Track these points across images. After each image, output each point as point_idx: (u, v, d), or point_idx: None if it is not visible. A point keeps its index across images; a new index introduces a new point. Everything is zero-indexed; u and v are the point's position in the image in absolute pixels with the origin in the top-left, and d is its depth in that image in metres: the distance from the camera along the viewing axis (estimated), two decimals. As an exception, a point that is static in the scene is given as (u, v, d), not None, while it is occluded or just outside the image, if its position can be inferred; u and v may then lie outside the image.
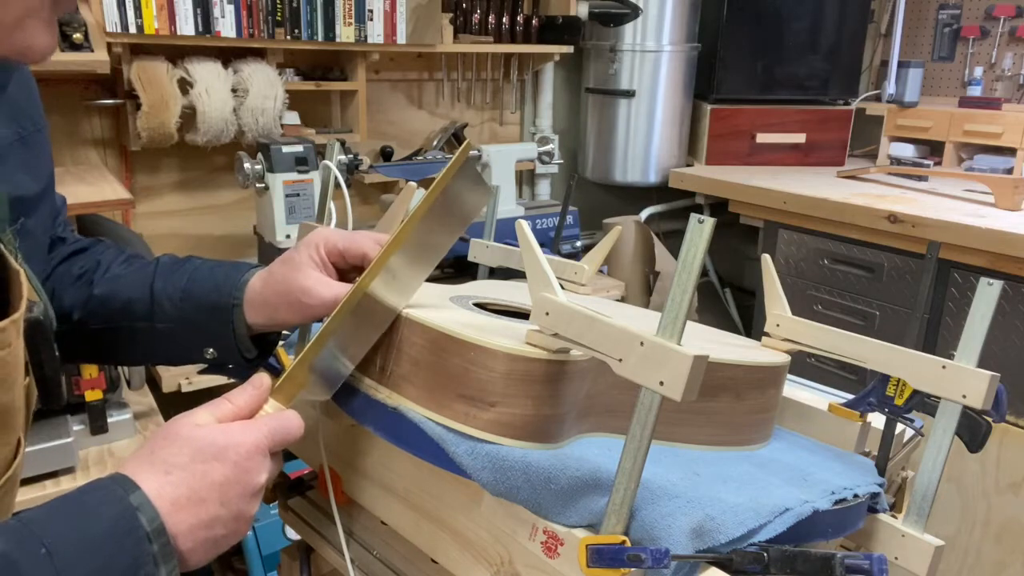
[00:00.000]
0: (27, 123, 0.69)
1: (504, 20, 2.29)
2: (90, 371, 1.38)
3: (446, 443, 0.59)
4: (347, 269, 0.72)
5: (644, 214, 2.68)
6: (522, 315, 0.77)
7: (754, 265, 2.65)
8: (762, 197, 2.28)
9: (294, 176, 1.71)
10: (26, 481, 1.31)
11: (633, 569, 0.52)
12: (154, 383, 1.66)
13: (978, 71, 2.63)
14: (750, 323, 2.58)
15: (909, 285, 2.01)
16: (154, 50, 1.74)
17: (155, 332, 0.75)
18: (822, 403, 0.82)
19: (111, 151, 1.88)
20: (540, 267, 0.58)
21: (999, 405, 0.65)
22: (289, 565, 0.91)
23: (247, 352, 0.74)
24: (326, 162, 0.83)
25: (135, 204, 1.70)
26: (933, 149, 2.61)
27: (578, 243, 2.17)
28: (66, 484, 1.33)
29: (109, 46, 1.63)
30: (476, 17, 2.26)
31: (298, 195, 1.72)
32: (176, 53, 1.77)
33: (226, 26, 1.75)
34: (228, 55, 1.83)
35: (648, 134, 2.55)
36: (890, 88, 2.65)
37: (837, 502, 0.64)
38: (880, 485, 0.71)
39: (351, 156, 1.83)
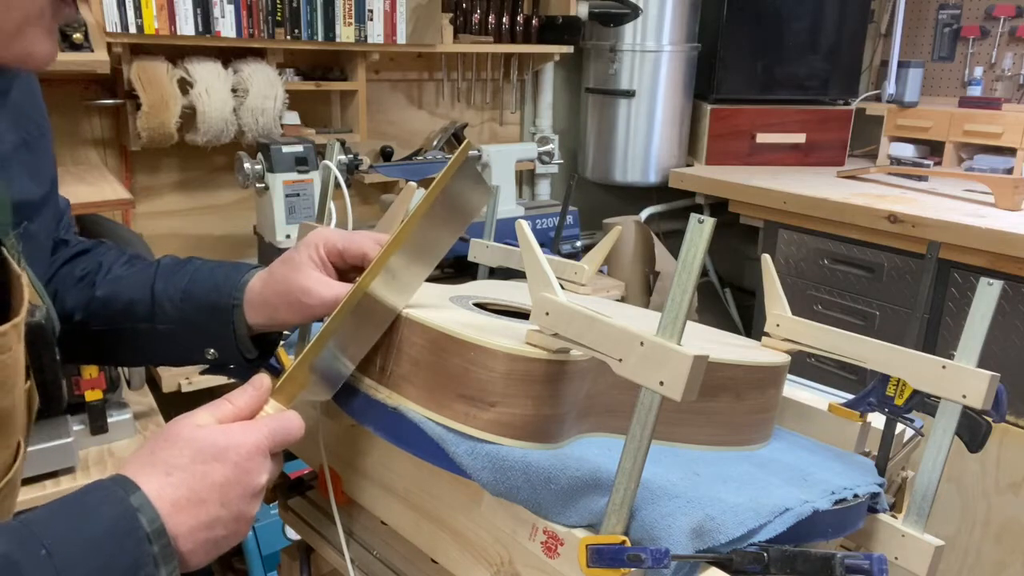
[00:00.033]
0: (31, 127, 0.69)
1: (504, 20, 2.29)
2: (90, 371, 1.38)
3: (446, 443, 0.59)
4: (347, 269, 0.72)
5: (644, 214, 2.68)
6: (522, 315, 0.77)
7: (754, 265, 2.65)
8: (762, 197, 2.28)
9: (294, 176, 1.71)
10: (26, 481, 1.31)
11: (633, 569, 0.52)
12: (154, 383, 1.66)
13: (978, 71, 2.63)
14: (750, 323, 2.58)
15: (909, 285, 2.01)
16: (154, 50, 1.74)
17: (156, 333, 0.75)
18: (822, 403, 0.82)
19: (111, 151, 1.88)
20: (540, 267, 0.58)
21: (999, 405, 0.65)
22: (289, 565, 0.91)
23: (248, 352, 0.74)
24: (326, 162, 0.83)
25: (135, 204, 1.70)
26: (933, 149, 2.61)
27: (578, 243, 2.17)
28: (66, 484, 1.33)
29: (109, 46, 1.63)
30: (476, 17, 2.26)
31: (298, 195, 1.72)
32: (176, 53, 1.77)
33: (226, 26, 1.75)
34: (228, 55, 1.83)
35: (648, 134, 2.55)
36: (890, 88, 2.65)
37: (837, 502, 0.64)
38: (880, 485, 0.71)
39: (351, 156, 1.83)
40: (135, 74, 1.69)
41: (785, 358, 0.79)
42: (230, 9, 1.74)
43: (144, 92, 1.68)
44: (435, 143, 2.28)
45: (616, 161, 2.59)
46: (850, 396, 0.81)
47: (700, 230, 0.49)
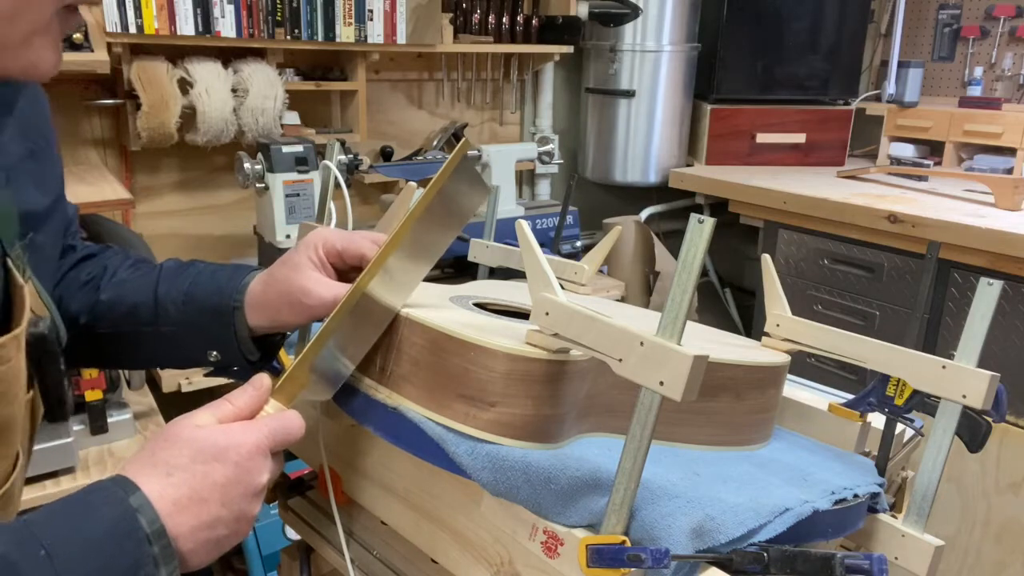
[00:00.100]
0: (37, 138, 0.69)
1: (504, 20, 2.29)
2: (90, 371, 1.38)
3: (446, 443, 0.59)
4: (346, 269, 0.72)
5: (644, 214, 2.68)
6: (522, 315, 0.77)
7: (754, 265, 2.65)
8: (762, 197, 2.28)
9: (294, 176, 1.71)
10: (26, 481, 1.30)
11: (633, 569, 0.52)
12: (154, 383, 1.66)
13: (978, 71, 2.63)
14: (750, 323, 2.58)
15: (909, 285, 2.01)
16: (154, 50, 1.74)
17: (160, 336, 0.75)
18: (822, 403, 0.82)
19: (111, 151, 1.88)
20: (540, 267, 0.58)
21: (999, 405, 0.65)
22: (289, 565, 0.91)
23: (250, 354, 0.75)
24: (326, 162, 0.83)
25: (135, 204, 1.70)
26: (933, 149, 2.61)
27: (578, 243, 2.17)
28: (66, 484, 1.33)
29: (109, 46, 1.63)
30: (476, 17, 2.26)
31: (298, 195, 1.72)
32: (176, 53, 1.77)
33: (226, 26, 1.75)
34: (228, 55, 1.83)
35: (648, 134, 2.55)
36: (890, 88, 2.65)
37: (837, 502, 0.64)
38: (880, 485, 0.71)
39: (351, 156, 1.83)
40: (135, 74, 1.69)
41: (785, 358, 0.79)
42: (230, 9, 1.74)
43: (144, 92, 1.68)
44: (435, 143, 2.28)
45: (616, 161, 2.59)
46: (850, 396, 0.81)
47: (700, 230, 0.49)
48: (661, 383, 0.49)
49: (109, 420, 1.45)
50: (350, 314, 0.64)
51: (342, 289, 0.67)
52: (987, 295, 0.66)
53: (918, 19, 2.80)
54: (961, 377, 0.64)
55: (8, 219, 0.61)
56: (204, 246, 2.05)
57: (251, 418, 0.60)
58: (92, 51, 1.55)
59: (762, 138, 2.63)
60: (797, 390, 0.87)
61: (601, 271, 2.22)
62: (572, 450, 0.61)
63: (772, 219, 2.30)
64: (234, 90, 1.80)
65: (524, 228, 0.62)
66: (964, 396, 0.64)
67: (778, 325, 0.82)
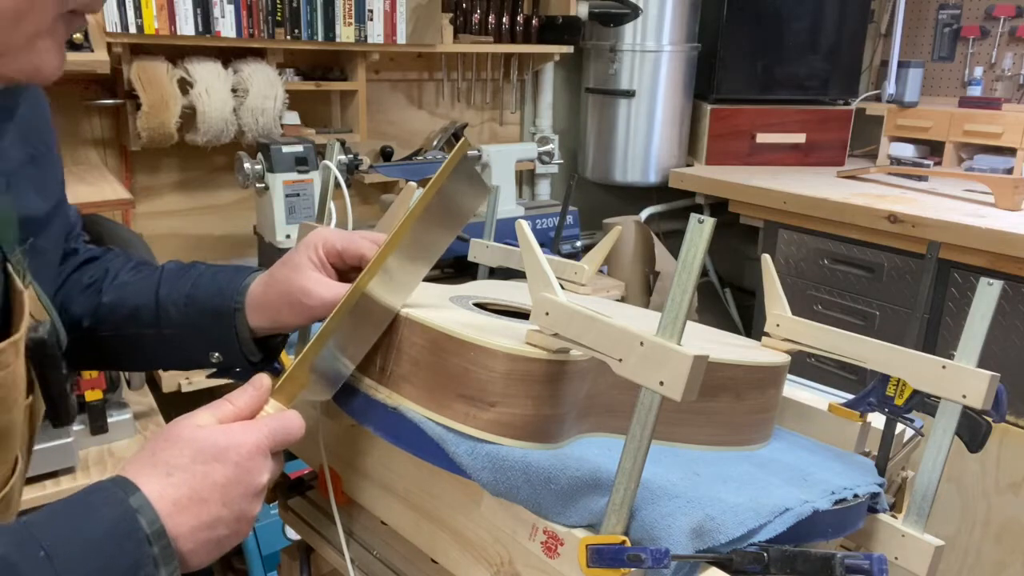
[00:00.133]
0: (38, 143, 0.69)
1: (504, 20, 2.29)
2: (90, 371, 1.38)
3: (446, 443, 0.59)
4: (346, 270, 0.72)
5: (644, 214, 2.68)
6: (522, 315, 0.77)
7: (754, 265, 2.65)
8: (762, 197, 2.28)
9: (294, 176, 1.71)
10: (26, 481, 1.30)
11: (633, 569, 0.52)
12: (154, 383, 1.66)
13: (978, 71, 2.63)
14: (750, 323, 2.58)
15: (909, 285, 2.01)
16: (154, 50, 1.74)
17: (162, 338, 0.75)
18: (822, 403, 0.82)
19: (111, 151, 1.88)
20: (540, 267, 0.58)
21: (999, 405, 0.65)
22: (289, 565, 0.91)
23: (251, 355, 0.75)
24: (326, 162, 0.83)
25: (135, 204, 1.70)
26: (933, 149, 2.61)
27: (578, 243, 2.17)
28: (66, 484, 1.33)
29: (109, 46, 1.63)
30: (476, 17, 2.26)
31: (298, 195, 1.72)
32: (176, 53, 1.77)
33: (226, 26, 1.75)
34: (228, 55, 1.83)
35: (648, 134, 2.55)
36: (890, 88, 2.65)
37: (837, 502, 0.64)
38: (880, 485, 0.71)
39: (351, 156, 1.83)
40: (135, 74, 1.69)
41: (785, 358, 0.79)
42: (230, 9, 1.74)
43: (144, 92, 1.68)
44: (435, 143, 2.28)
45: (616, 161, 2.59)
46: (850, 396, 0.81)
47: (700, 230, 0.49)
48: (661, 383, 0.49)
49: (109, 420, 1.45)
50: (350, 314, 0.64)
51: (342, 289, 0.67)
52: (987, 295, 0.66)
53: (918, 19, 2.80)
54: (961, 377, 0.64)
55: (8, 224, 0.61)
56: (204, 246, 2.05)
57: (251, 418, 0.60)
58: (92, 51, 1.55)
59: (762, 138, 2.63)
60: (797, 390, 0.87)
61: (601, 271, 2.22)
62: (572, 450, 0.61)
63: (772, 219, 2.30)
64: (234, 90, 1.80)
65: (524, 228, 0.62)
66: (964, 396, 0.64)
67: (778, 325, 0.82)
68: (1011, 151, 2.37)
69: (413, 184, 0.85)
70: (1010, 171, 2.35)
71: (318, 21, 1.86)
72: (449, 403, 0.60)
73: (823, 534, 0.63)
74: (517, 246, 0.71)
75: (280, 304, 0.71)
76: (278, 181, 1.70)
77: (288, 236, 1.73)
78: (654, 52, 2.46)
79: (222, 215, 2.07)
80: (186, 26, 1.70)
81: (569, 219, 2.11)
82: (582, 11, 2.36)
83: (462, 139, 0.66)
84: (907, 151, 2.61)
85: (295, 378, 0.62)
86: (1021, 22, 2.56)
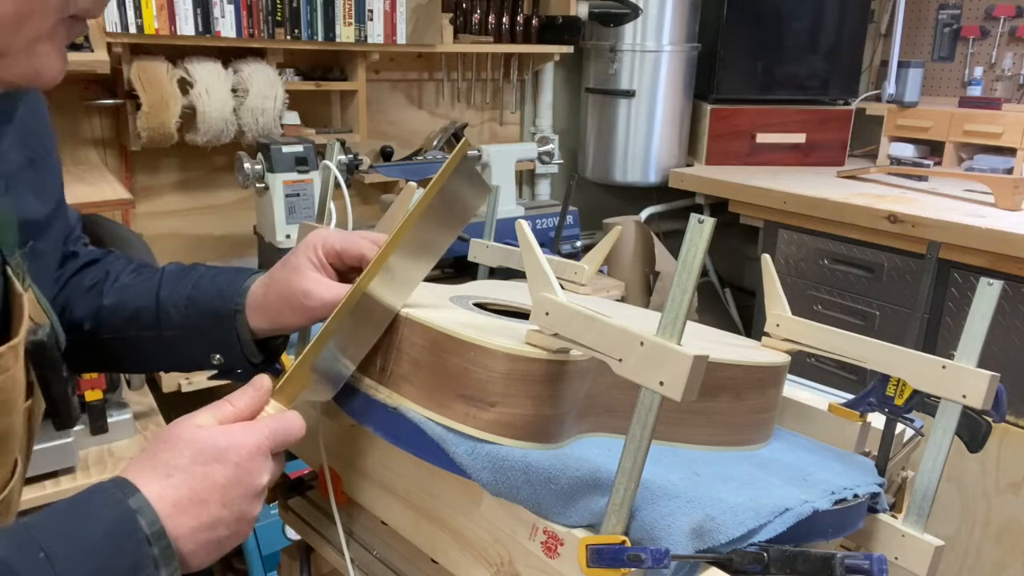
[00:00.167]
0: (37, 146, 0.69)
1: (504, 20, 2.29)
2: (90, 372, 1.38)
3: (446, 443, 0.59)
4: (345, 270, 0.72)
5: (644, 214, 2.68)
6: (522, 315, 0.77)
7: (754, 265, 2.65)
8: (762, 197, 2.28)
9: (294, 176, 1.71)
10: (26, 481, 1.30)
11: (633, 569, 0.52)
12: (154, 383, 1.66)
13: (978, 71, 2.63)
14: (750, 323, 2.58)
15: (909, 285, 2.01)
16: (154, 50, 1.74)
17: (163, 340, 0.75)
18: (822, 403, 0.82)
19: (111, 151, 1.88)
20: (540, 267, 0.58)
21: (999, 405, 0.65)
22: (289, 565, 0.91)
23: (253, 357, 0.75)
24: (326, 162, 0.83)
25: (135, 204, 1.70)
26: (933, 149, 2.61)
27: (578, 243, 2.17)
28: (66, 484, 1.33)
29: (109, 46, 1.63)
30: (476, 17, 2.26)
31: (298, 195, 1.72)
32: (176, 53, 1.77)
33: (226, 26, 1.75)
34: (228, 55, 1.83)
35: (648, 134, 2.55)
36: (890, 88, 2.65)
37: (837, 502, 0.64)
38: (880, 485, 0.71)
39: (351, 156, 1.83)
40: (135, 74, 1.69)
41: (785, 358, 0.79)
42: (230, 9, 1.74)
43: (144, 92, 1.68)
44: (435, 143, 2.28)
45: (616, 161, 2.59)
46: (850, 396, 0.81)
47: (700, 230, 0.49)
48: (661, 383, 0.49)
49: (109, 420, 1.45)
50: (350, 314, 0.64)
51: (343, 290, 0.67)
52: (987, 295, 0.66)
53: (918, 19, 2.80)
54: (961, 377, 0.64)
55: (8, 227, 0.62)
56: (204, 246, 2.05)
57: (252, 419, 0.60)
58: (92, 51, 1.55)
59: (762, 138, 2.63)
60: (797, 390, 0.87)
61: (601, 271, 2.22)
62: (572, 450, 0.61)
63: (772, 219, 2.30)
64: (234, 90, 1.80)
65: (524, 228, 0.62)
66: (964, 396, 0.64)
67: (778, 325, 0.82)
68: (1011, 151, 2.37)
69: (413, 184, 0.85)
70: (1010, 171, 2.35)
71: (318, 21, 1.86)
72: (449, 403, 0.60)
73: (823, 534, 0.63)
74: (517, 246, 0.71)
75: (280, 305, 0.71)
76: (278, 181, 1.70)
77: (288, 236, 1.73)
78: (654, 52, 2.46)
79: (222, 215, 2.07)
80: (186, 26, 1.70)
81: (569, 219, 2.11)
82: (582, 11, 2.36)
83: (463, 139, 0.66)
84: (907, 151, 2.61)
85: (296, 379, 0.62)
86: (1021, 22, 2.56)
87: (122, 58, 1.69)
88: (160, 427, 1.54)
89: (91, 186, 1.56)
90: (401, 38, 1.99)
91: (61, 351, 0.66)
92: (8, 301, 0.61)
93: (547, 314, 0.57)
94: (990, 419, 0.69)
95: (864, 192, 2.22)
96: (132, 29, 1.64)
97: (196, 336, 0.74)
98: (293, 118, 1.95)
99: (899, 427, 0.75)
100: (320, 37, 1.88)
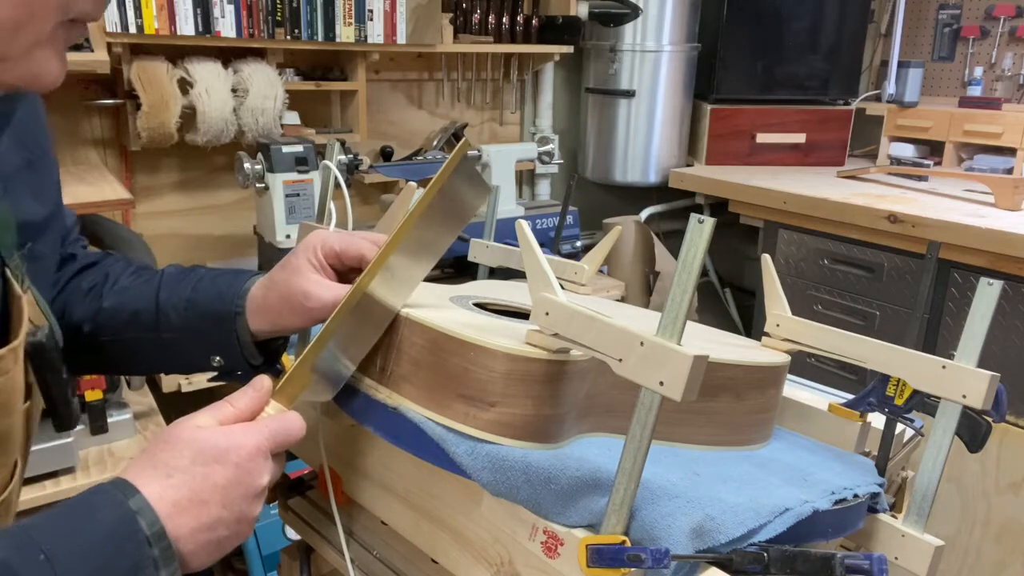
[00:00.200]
0: (34, 148, 0.69)
1: (504, 20, 2.29)
2: (90, 371, 1.38)
3: (446, 443, 0.59)
4: (344, 271, 0.72)
5: (644, 214, 2.68)
6: (522, 315, 0.77)
7: (754, 265, 2.65)
8: (762, 197, 2.28)
9: (294, 176, 1.71)
10: (26, 481, 1.30)
11: (633, 569, 0.52)
12: (154, 383, 1.66)
13: (978, 71, 2.63)
14: (750, 323, 2.58)
15: (909, 285, 2.01)
16: (154, 50, 1.74)
17: (162, 342, 0.75)
18: (822, 403, 0.82)
19: (111, 151, 1.88)
20: (540, 267, 0.58)
21: (999, 405, 0.65)
22: (289, 565, 0.91)
23: (253, 359, 0.75)
24: (326, 162, 0.83)
25: (135, 204, 1.70)
26: (933, 149, 2.61)
27: (578, 243, 2.17)
28: (66, 484, 1.33)
29: (109, 46, 1.63)
30: (476, 17, 2.26)
31: (298, 195, 1.72)
32: (176, 53, 1.77)
33: (226, 26, 1.75)
34: (228, 55, 1.83)
35: (648, 134, 2.55)
36: (890, 88, 2.65)
37: (837, 502, 0.64)
38: (880, 485, 0.71)
39: (351, 156, 1.83)
40: (135, 74, 1.69)
41: (785, 358, 0.79)
42: (230, 9, 1.74)
43: (144, 92, 1.68)
44: (435, 143, 2.28)
45: (616, 161, 2.59)
46: (850, 396, 0.81)
47: (700, 230, 0.49)
48: (661, 383, 0.49)
49: (109, 420, 1.45)
50: (350, 314, 0.64)
51: (343, 290, 0.67)
52: (987, 295, 0.66)
53: (918, 19, 2.80)
54: (961, 377, 0.64)
55: (6, 229, 0.62)
56: (204, 246, 2.05)
57: (252, 419, 0.60)
58: (92, 51, 1.55)
59: (762, 138, 2.63)
60: (797, 390, 0.87)
61: (601, 271, 2.22)
62: (572, 450, 0.61)
63: (772, 219, 2.30)
64: (234, 90, 1.80)
65: (524, 228, 0.62)
66: (964, 396, 0.64)
67: (778, 325, 0.82)
68: (1011, 151, 2.37)
69: (413, 184, 0.85)
70: (1010, 171, 2.35)
71: (318, 21, 1.86)
72: (449, 403, 0.60)
73: (823, 534, 0.63)
74: (517, 246, 0.71)
75: (281, 307, 0.71)
76: (278, 181, 1.70)
77: (288, 236, 1.73)
78: (654, 52, 2.46)
79: (222, 215, 2.07)
80: (186, 26, 1.70)
81: (569, 219, 2.11)
82: (582, 11, 2.36)
83: (463, 139, 0.66)
84: (907, 151, 2.61)
85: (296, 379, 0.62)
86: (1021, 22, 2.56)
87: (122, 58, 1.69)
88: (160, 427, 1.54)
89: (91, 186, 1.56)
90: (401, 38, 1.99)
91: (59, 353, 0.66)
92: (7, 303, 0.61)
93: (547, 314, 0.57)
94: (990, 419, 0.69)
95: (864, 192, 2.22)
96: (132, 29, 1.64)
97: (196, 338, 0.74)
98: (293, 118, 1.95)
99: (899, 427, 0.75)
100: (320, 37, 1.88)
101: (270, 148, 1.69)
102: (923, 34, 2.80)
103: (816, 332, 0.79)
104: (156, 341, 0.75)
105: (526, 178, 2.64)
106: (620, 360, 0.52)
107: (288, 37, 1.83)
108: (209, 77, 1.76)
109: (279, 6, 1.80)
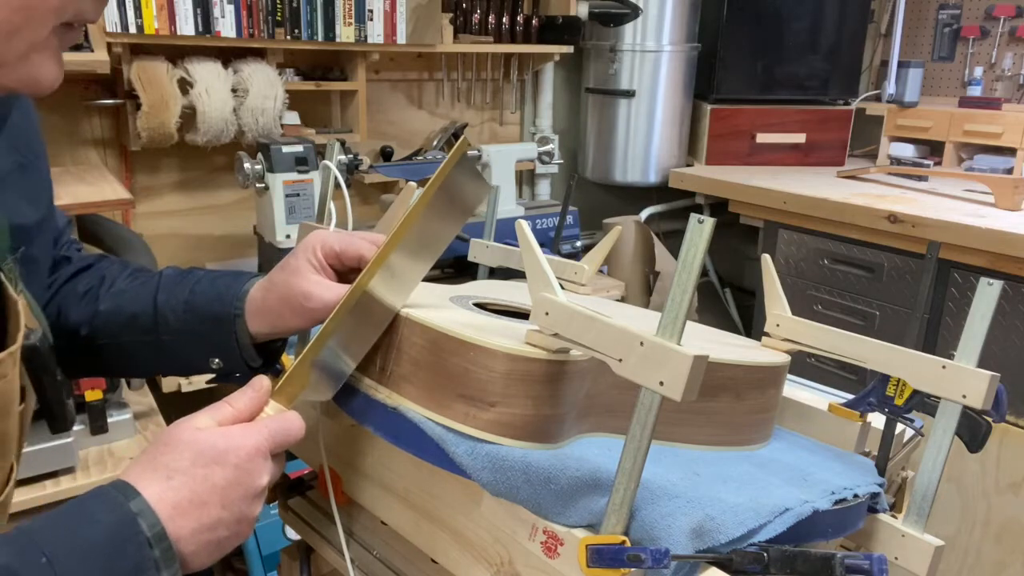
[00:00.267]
0: (27, 151, 0.69)
1: (504, 20, 2.29)
2: (90, 372, 1.38)
3: (446, 443, 0.59)
4: (344, 271, 0.72)
5: (644, 214, 2.68)
6: (522, 315, 0.77)
7: (754, 265, 2.65)
8: (762, 197, 2.28)
9: (294, 176, 1.71)
10: (26, 481, 1.31)
11: (633, 569, 0.52)
12: (154, 383, 1.66)
13: (978, 71, 2.63)
14: (750, 323, 2.58)
15: (909, 285, 2.01)
16: (154, 50, 1.74)
17: (161, 344, 0.75)
18: (822, 403, 0.82)
19: (111, 151, 1.88)
20: (540, 267, 0.58)
21: (999, 405, 0.65)
22: (289, 565, 0.91)
23: (252, 361, 0.75)
24: (326, 162, 0.83)
25: (135, 204, 1.70)
26: (933, 149, 2.61)
27: (578, 243, 2.17)
28: (66, 484, 1.33)
29: (109, 46, 1.63)
30: (476, 17, 2.26)
31: (298, 195, 1.72)
32: (176, 53, 1.77)
33: (226, 26, 1.75)
34: (228, 55, 1.83)
35: (648, 134, 2.55)
36: (890, 88, 2.65)
37: (837, 502, 0.64)
38: (880, 485, 0.71)
39: (351, 156, 1.83)
40: (135, 74, 1.69)
41: (785, 358, 0.79)
42: (230, 9, 1.74)
43: (144, 92, 1.68)
44: (435, 143, 2.28)
45: (616, 161, 2.59)
46: (850, 396, 0.81)
47: (700, 230, 0.49)
48: (661, 383, 0.49)
49: (109, 420, 1.45)
50: (351, 313, 0.64)
51: (343, 290, 0.67)
52: (987, 295, 0.66)
53: (918, 19, 2.80)
54: (961, 377, 0.64)
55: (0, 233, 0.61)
56: (204, 246, 2.05)
57: (251, 420, 0.60)
58: (92, 51, 1.55)
59: (762, 138, 2.63)
60: (797, 390, 0.87)
61: (601, 271, 2.22)
62: (572, 450, 0.61)
63: (772, 219, 2.30)
64: (234, 90, 1.80)
65: (524, 228, 0.62)
66: (964, 396, 0.64)
67: (778, 325, 0.82)
68: (1011, 151, 2.37)
69: (413, 184, 0.85)
70: (1010, 171, 2.35)
71: (318, 21, 1.86)
72: (449, 403, 0.60)
73: (823, 534, 0.63)
74: (517, 246, 0.71)
75: (281, 308, 0.70)
76: (278, 181, 1.70)
77: (288, 236, 1.73)
78: (654, 52, 2.46)
79: (222, 215, 2.07)
80: (186, 26, 1.70)
81: (569, 219, 2.11)
82: (582, 11, 2.36)
83: (462, 138, 0.66)
84: (907, 151, 2.61)
85: (295, 379, 0.62)
86: (1021, 22, 2.56)
87: (122, 58, 1.69)
88: (160, 427, 1.54)
89: (91, 186, 1.56)
90: (401, 38, 1.99)
91: (53, 355, 0.66)
92: (2, 307, 0.61)
93: (547, 314, 0.57)
94: (990, 419, 0.69)
95: (864, 192, 2.22)
96: (132, 29, 1.64)
97: (195, 340, 0.74)
98: (293, 118, 1.95)
99: (899, 427, 0.75)
100: (320, 37, 1.88)
101: (270, 148, 1.69)
102: (923, 34, 2.80)
103: (816, 332, 0.79)
104: (154, 344, 0.75)
105: (526, 178, 2.64)
106: (620, 360, 0.52)
107: (288, 37, 1.83)
108: (209, 77, 1.76)
109: (279, 6, 1.80)
